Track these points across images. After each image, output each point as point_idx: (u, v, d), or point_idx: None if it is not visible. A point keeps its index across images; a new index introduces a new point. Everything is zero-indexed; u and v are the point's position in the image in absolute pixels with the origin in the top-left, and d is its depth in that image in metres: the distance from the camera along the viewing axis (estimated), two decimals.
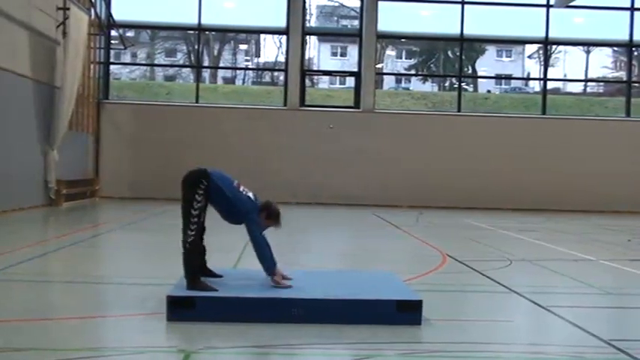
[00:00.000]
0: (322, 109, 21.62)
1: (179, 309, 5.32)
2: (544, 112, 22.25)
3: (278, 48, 24.55)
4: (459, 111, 22.16)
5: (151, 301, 6.00)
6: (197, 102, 21.53)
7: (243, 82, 26.47)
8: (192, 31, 22.85)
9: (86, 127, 19.92)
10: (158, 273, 7.79)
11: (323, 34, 25.94)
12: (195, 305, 5.34)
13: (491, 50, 27.67)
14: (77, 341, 4.78)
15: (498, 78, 31.65)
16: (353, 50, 23.34)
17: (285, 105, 21.57)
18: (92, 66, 20.09)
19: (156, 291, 6.34)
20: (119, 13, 20.94)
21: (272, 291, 5.68)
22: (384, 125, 21.38)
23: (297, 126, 21.23)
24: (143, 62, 25.34)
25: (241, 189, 5.97)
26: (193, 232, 5.79)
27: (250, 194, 5.97)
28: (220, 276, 6.16)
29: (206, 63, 24.33)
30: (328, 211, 18.32)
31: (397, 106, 23.24)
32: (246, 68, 25.98)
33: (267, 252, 5.80)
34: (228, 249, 9.70)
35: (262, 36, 25.31)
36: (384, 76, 25.12)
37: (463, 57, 22.94)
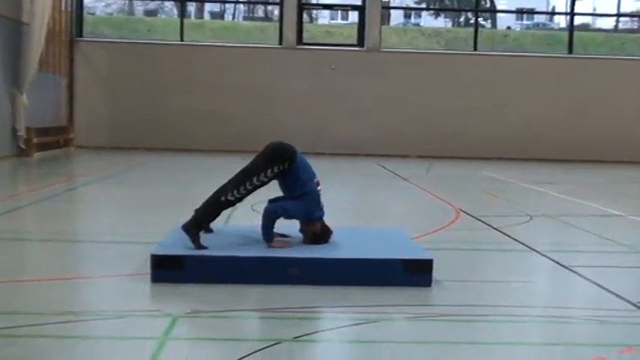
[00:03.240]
0: (322, 48, 21.44)
1: (164, 269, 5.36)
2: (570, 51, 22.07)
3: None
4: (475, 50, 21.98)
5: (134, 260, 6.04)
6: (181, 40, 21.33)
7: (233, 18, 26.19)
8: None
9: (58, 68, 19.78)
10: (141, 230, 7.83)
11: None
12: (182, 265, 5.38)
13: None
14: (52, 304, 4.82)
15: (519, 12, 31.35)
16: None
17: (280, 43, 21.38)
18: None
19: (139, 250, 6.38)
20: None
21: (267, 250, 5.72)
22: (390, 66, 21.23)
23: (293, 67, 21.09)
24: None
25: (319, 188, 5.97)
26: (237, 196, 5.83)
27: (323, 203, 5.97)
28: (211, 230, 6.21)
29: None
30: (328, 161, 18.33)
31: (406, 44, 23.05)
32: (237, 1, 25.68)
33: (267, 231, 5.78)
34: None
35: None
36: (392, 11, 24.87)
37: None
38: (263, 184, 5.88)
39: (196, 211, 5.92)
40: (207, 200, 5.94)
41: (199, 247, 5.65)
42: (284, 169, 5.86)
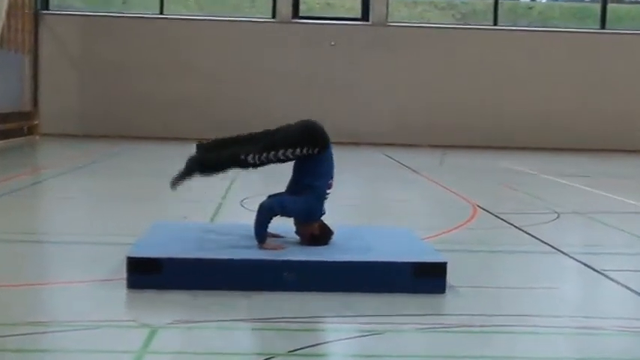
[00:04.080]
0: (321, 22, 21.43)
1: (142, 273, 5.37)
2: (603, 26, 22.06)
3: None
4: (494, 24, 21.96)
5: (107, 263, 6.04)
6: (161, 13, 21.31)
7: None
8: None
9: (20, 45, 19.74)
10: (116, 229, 7.83)
11: None
12: (161, 268, 5.38)
13: None
14: (15, 314, 4.82)
15: None
16: None
17: (273, 17, 21.36)
18: None
19: (113, 251, 6.38)
20: None
21: (259, 251, 5.72)
22: (399, 43, 21.22)
23: (288, 43, 21.07)
24: None
25: (328, 190, 6.04)
26: (257, 162, 5.88)
27: (325, 205, 6.03)
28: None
29: None
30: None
31: (416, 18, 23.02)
32: None
33: (260, 230, 5.80)
34: (205, 198, 9.73)
35: None
36: None
37: None
38: (287, 159, 5.94)
39: (205, 150, 6.08)
40: (223, 153, 6.02)
41: (176, 183, 5.96)
42: (312, 153, 5.92)
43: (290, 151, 5.87)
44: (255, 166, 5.97)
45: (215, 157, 6.08)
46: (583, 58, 21.49)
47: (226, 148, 6.10)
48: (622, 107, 21.37)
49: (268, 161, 5.92)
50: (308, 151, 5.90)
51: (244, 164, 5.96)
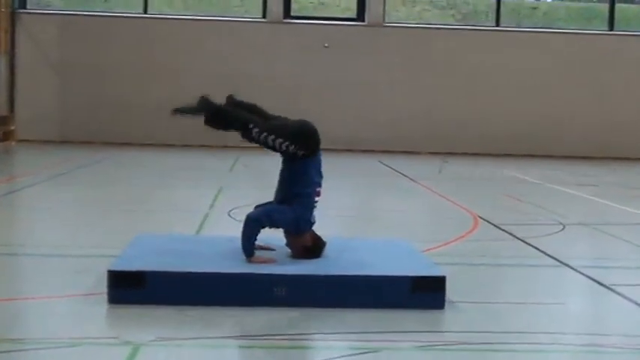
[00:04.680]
0: (314, 22, 21.45)
1: (124, 287, 5.36)
2: (611, 28, 22.14)
3: None
4: (497, 25, 22.02)
5: (88, 277, 6.03)
6: (145, 12, 21.31)
7: None
8: None
9: None
10: (97, 241, 7.82)
11: None
12: (145, 282, 5.38)
13: None
14: None
15: None
16: None
17: (263, 16, 21.38)
18: None
19: (94, 264, 6.37)
20: None
21: (247, 265, 5.72)
22: (396, 44, 21.25)
23: (279, 45, 21.09)
24: None
25: (316, 199, 6.08)
26: (257, 138, 5.99)
27: (315, 213, 6.06)
28: None
29: None
30: (322, 158, 18.35)
31: (414, 18, 23.07)
32: None
33: (248, 243, 5.82)
34: (191, 208, 9.72)
35: None
36: None
37: None
38: (276, 150, 6.03)
39: (228, 103, 6.30)
40: (240, 113, 6.16)
41: (179, 112, 6.20)
42: (297, 154, 5.99)
43: (279, 141, 5.94)
44: (254, 140, 6.07)
45: (231, 111, 6.20)
46: (590, 60, 21.54)
47: (244, 110, 6.24)
48: (632, 112, 21.41)
49: (265, 144, 6.02)
50: (294, 150, 5.97)
51: (248, 134, 6.05)
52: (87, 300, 5.51)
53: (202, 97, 6.26)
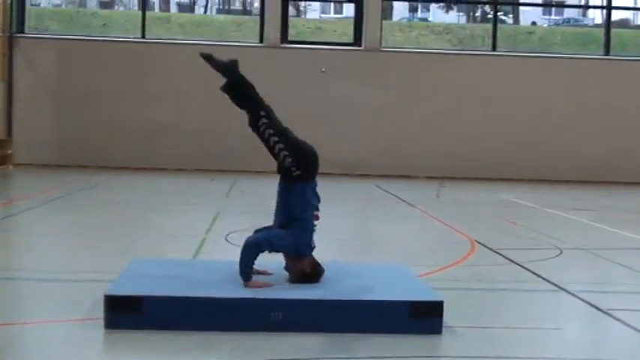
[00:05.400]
0: (311, 47, 21.52)
1: (121, 312, 5.35)
2: (607, 52, 22.23)
3: None
4: (493, 50, 22.11)
5: (84, 302, 6.02)
6: (143, 37, 21.38)
7: (205, 11, 26.30)
8: None
9: None
10: (93, 265, 7.80)
11: None
12: (141, 307, 5.36)
13: None
14: None
15: (547, 6, 31.60)
16: None
17: (260, 41, 21.46)
18: None
19: (90, 289, 6.36)
20: None
21: (244, 290, 5.71)
22: (393, 69, 21.32)
23: (276, 69, 21.14)
24: None
25: (316, 222, 6.11)
26: (262, 130, 6.03)
27: (313, 240, 6.08)
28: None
29: None
30: (318, 182, 18.37)
31: (411, 42, 23.18)
32: None
33: (246, 268, 5.82)
34: (188, 233, 9.71)
35: None
36: (395, 3, 25.02)
37: None
38: (273, 154, 6.04)
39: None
40: (260, 98, 6.20)
41: (208, 57, 6.24)
42: (291, 170, 5.99)
43: (280, 147, 5.98)
44: (257, 131, 6.07)
45: (252, 89, 6.22)
46: (586, 85, 21.60)
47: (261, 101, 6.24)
48: (628, 137, 21.46)
49: (266, 141, 6.04)
50: (290, 164, 5.98)
51: (255, 122, 6.08)
52: (84, 325, 5.49)
53: (234, 60, 6.27)
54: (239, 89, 6.20)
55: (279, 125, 6.13)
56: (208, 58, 6.27)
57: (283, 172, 6.05)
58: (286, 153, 5.98)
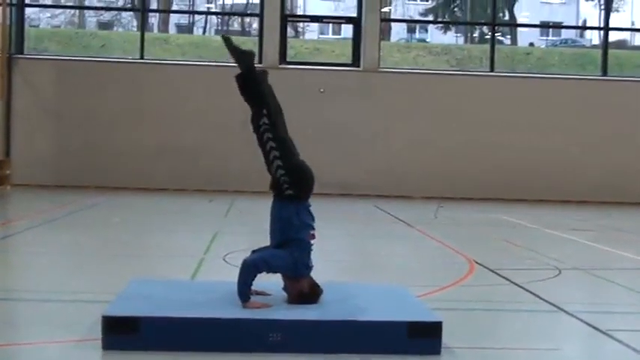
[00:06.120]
0: (309, 68, 21.58)
1: (118, 333, 5.33)
2: (605, 73, 22.29)
3: None
4: (491, 70, 22.16)
5: (82, 323, 6.00)
6: (142, 58, 21.42)
7: (204, 32, 26.38)
8: None
9: None
10: (90, 286, 7.79)
11: None
12: (139, 328, 5.35)
13: None
14: None
15: (544, 27, 31.73)
16: None
17: (259, 62, 21.51)
18: (0, 8, 19.95)
19: (88, 310, 6.34)
20: None
21: (243, 311, 5.70)
22: (391, 89, 21.36)
23: (275, 90, 21.07)
24: (70, 4, 25.22)
25: (312, 241, 6.09)
26: (263, 125, 6.05)
27: (311, 260, 6.06)
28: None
29: (154, 5, 24.23)
30: (316, 203, 18.34)
31: (409, 63, 23.25)
32: (208, 12, 25.92)
33: (244, 288, 5.81)
34: (186, 253, 9.70)
35: None
36: (393, 24, 25.12)
37: None
38: (267, 160, 6.01)
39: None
40: (269, 96, 6.26)
41: (228, 40, 6.19)
42: (282, 184, 5.98)
43: (275, 155, 5.97)
44: (257, 129, 6.09)
45: (264, 85, 6.26)
46: (584, 106, 21.64)
47: (272, 98, 6.29)
48: (626, 157, 21.48)
49: (262, 144, 6.03)
50: (282, 177, 5.97)
51: (257, 118, 6.09)
52: (81, 346, 5.48)
53: (250, 51, 6.29)
54: (246, 80, 6.19)
55: (280, 131, 6.10)
56: (227, 39, 6.26)
57: (276, 189, 6.03)
58: (281, 165, 5.97)
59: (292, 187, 5.97)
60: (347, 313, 5.77)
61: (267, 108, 6.08)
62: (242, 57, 6.17)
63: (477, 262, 9.83)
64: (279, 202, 6.03)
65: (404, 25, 27.10)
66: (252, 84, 6.17)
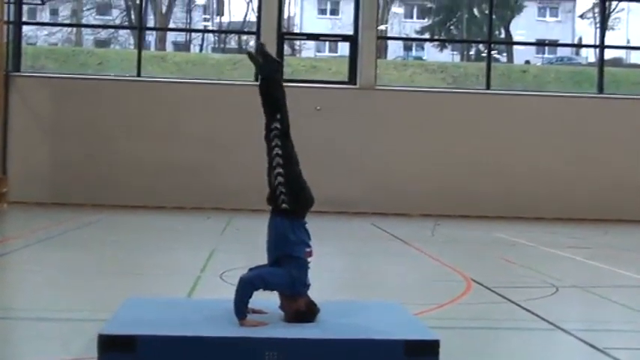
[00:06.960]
0: (306, 86, 21.60)
1: (115, 352, 5.31)
2: (601, 90, 22.34)
3: (247, 3, 24.56)
4: (487, 88, 22.22)
5: (78, 342, 5.98)
6: (139, 75, 21.45)
7: (201, 50, 26.44)
8: None
9: None
10: (86, 304, 7.76)
11: None
12: (136, 347, 5.33)
13: (530, 7, 27.79)
14: None
15: (540, 44, 31.85)
16: (347, 6, 23.43)
17: (256, 80, 21.52)
18: None
19: (84, 328, 6.32)
20: None
21: (239, 329, 5.68)
22: (387, 106, 21.39)
23: None
24: (67, 22, 25.27)
25: (309, 259, 6.07)
26: (274, 131, 6.05)
27: (308, 278, 6.06)
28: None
29: (151, 23, 24.28)
30: (314, 220, 18.32)
31: (406, 81, 23.30)
32: (205, 30, 25.97)
33: (240, 305, 5.80)
34: (183, 271, 9.68)
35: None
36: (389, 42, 25.17)
37: (494, 16, 23.02)
38: (269, 169, 6.03)
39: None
40: (284, 105, 6.25)
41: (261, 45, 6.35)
42: (278, 196, 5.98)
43: (280, 170, 5.98)
44: (267, 135, 6.08)
45: (281, 93, 6.34)
46: (580, 123, 21.67)
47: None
48: (623, 175, 21.50)
49: (269, 151, 6.04)
50: (280, 192, 5.98)
51: (269, 124, 6.10)
52: None
53: (277, 60, 6.44)
54: (267, 86, 6.32)
55: (289, 141, 6.12)
56: (260, 47, 6.47)
57: (273, 202, 6.01)
58: (281, 173, 5.98)
59: (288, 200, 5.96)
60: (344, 331, 5.75)
61: (282, 113, 6.07)
62: (264, 66, 6.37)
63: (474, 280, 9.82)
64: (275, 216, 6.02)
65: (400, 43, 27.16)
66: (274, 91, 6.30)
